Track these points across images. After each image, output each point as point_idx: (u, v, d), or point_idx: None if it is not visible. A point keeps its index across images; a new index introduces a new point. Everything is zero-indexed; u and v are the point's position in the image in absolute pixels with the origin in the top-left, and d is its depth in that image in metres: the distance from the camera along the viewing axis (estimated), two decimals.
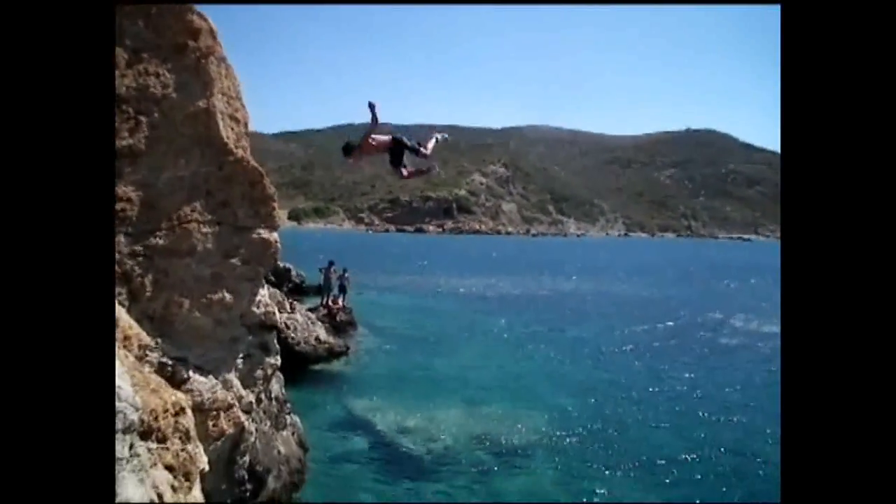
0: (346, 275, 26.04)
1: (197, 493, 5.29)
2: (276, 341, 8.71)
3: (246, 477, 8.37)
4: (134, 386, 4.87)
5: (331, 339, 20.43)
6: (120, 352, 5.31)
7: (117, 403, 3.84)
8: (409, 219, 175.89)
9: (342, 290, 25.82)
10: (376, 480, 11.33)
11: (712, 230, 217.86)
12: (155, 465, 4.64)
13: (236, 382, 7.80)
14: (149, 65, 7.53)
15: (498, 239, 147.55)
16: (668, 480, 11.61)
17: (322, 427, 13.80)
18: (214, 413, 7.29)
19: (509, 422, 14.45)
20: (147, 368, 6.34)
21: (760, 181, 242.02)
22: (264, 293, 8.39)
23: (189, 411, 5.53)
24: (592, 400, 16.93)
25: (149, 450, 4.64)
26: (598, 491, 11.01)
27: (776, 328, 28.67)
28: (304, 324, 19.82)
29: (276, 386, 10.23)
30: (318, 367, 19.09)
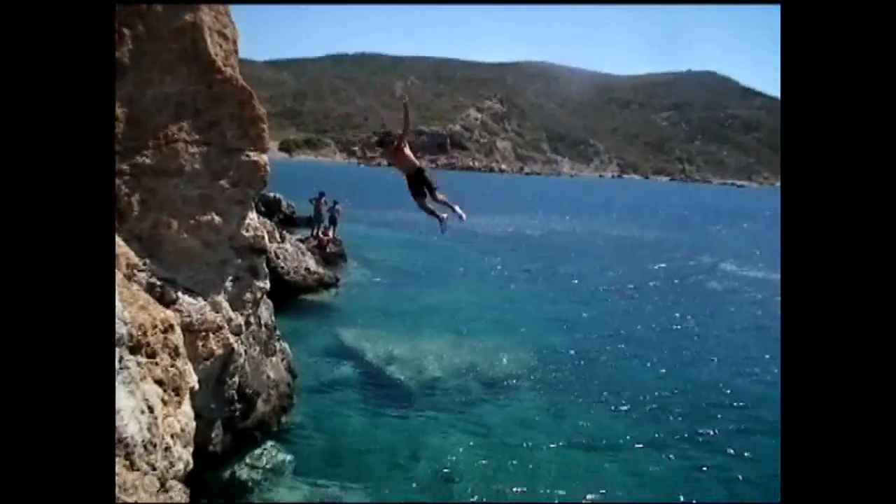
0: (337, 206, 25.85)
1: (187, 408, 5.36)
2: (265, 265, 8.68)
3: (236, 397, 8.51)
4: (122, 302, 4.85)
5: (320, 270, 20.49)
6: None
7: None
8: None
9: (332, 221, 25.69)
10: (364, 407, 11.57)
11: (706, 175, 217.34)
12: (145, 378, 4.68)
13: (225, 304, 7.81)
14: None
15: (491, 176, 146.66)
16: (650, 414, 11.93)
17: (311, 355, 13.98)
18: (203, 334, 7.32)
19: (497, 355, 14.69)
20: (135, 287, 6.31)
21: (757, 127, 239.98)
22: (253, 216, 8.30)
23: (178, 329, 5.55)
24: (580, 336, 17.22)
25: (138, 364, 4.67)
26: (581, 424, 11.31)
27: (765, 274, 29.05)
28: (294, 254, 19.81)
29: (266, 312, 10.28)
30: (307, 297, 19.22)
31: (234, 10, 8.44)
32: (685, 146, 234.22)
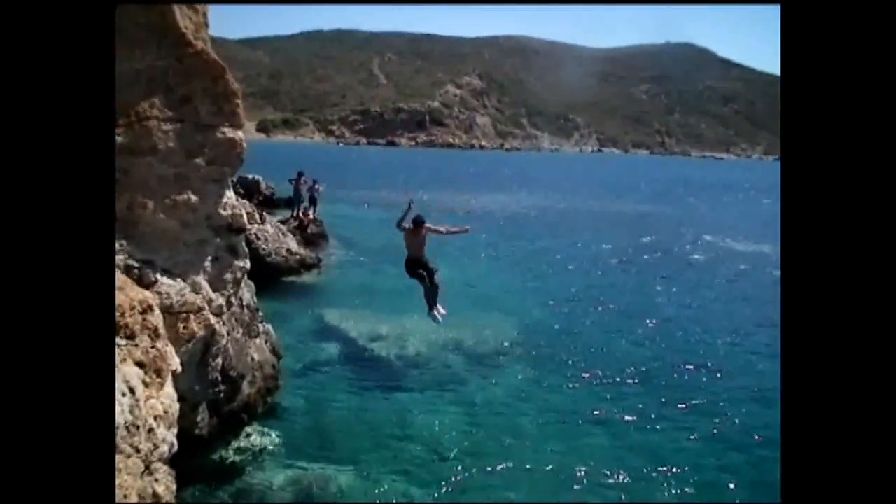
0: (317, 186, 25.56)
1: (169, 390, 5.26)
2: (244, 244, 8.53)
3: (220, 379, 8.41)
4: None
5: (302, 251, 20.31)
6: None
7: None
8: (380, 131, 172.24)
9: (312, 201, 25.41)
10: (350, 386, 11.54)
11: (685, 147, 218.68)
12: (125, 360, 4.57)
13: (205, 285, 7.67)
14: None
15: (472, 153, 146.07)
16: (637, 384, 12.03)
17: (295, 336, 13.88)
18: (184, 315, 7.19)
19: (481, 330, 14.70)
20: None
21: (735, 98, 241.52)
22: (231, 195, 8.12)
23: (157, 310, 5.42)
24: (564, 310, 17.30)
25: (118, 345, 4.55)
26: (567, 397, 11.38)
27: (746, 246, 29.35)
28: (274, 235, 19.60)
29: (248, 294, 10.14)
30: (289, 278, 19.05)
31: None
32: (664, 119, 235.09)
